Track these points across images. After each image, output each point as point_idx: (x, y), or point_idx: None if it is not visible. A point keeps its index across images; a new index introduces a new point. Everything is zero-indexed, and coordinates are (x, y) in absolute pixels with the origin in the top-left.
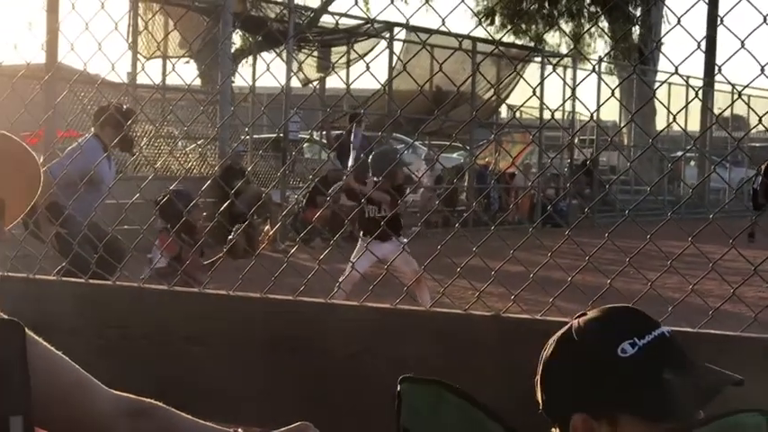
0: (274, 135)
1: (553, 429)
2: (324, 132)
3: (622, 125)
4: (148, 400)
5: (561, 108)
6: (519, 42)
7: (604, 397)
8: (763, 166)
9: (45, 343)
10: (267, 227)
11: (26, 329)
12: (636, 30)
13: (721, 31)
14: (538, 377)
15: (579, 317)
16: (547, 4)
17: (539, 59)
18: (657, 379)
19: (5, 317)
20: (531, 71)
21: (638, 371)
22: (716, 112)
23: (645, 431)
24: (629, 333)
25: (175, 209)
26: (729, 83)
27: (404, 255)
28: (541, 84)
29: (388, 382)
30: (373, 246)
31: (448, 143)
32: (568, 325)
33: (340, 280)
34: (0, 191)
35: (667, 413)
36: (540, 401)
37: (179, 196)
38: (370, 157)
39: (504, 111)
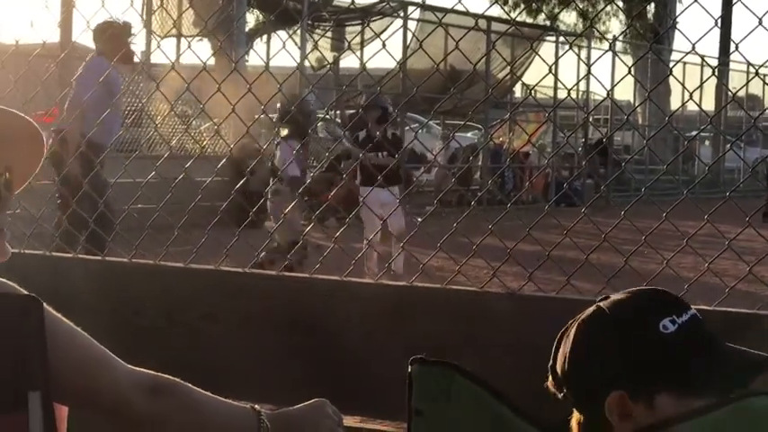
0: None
1: (574, 414)
2: (338, 111)
3: (637, 104)
4: (167, 376)
5: (576, 87)
6: (532, 21)
7: (647, 374)
8: None
9: (63, 317)
10: None
11: (44, 304)
12: (651, 8)
13: (736, 10)
14: (563, 360)
15: (604, 299)
16: None
17: (553, 38)
18: (701, 355)
19: (24, 292)
20: (546, 50)
21: (683, 347)
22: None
23: (679, 408)
24: (666, 311)
25: (295, 116)
26: (747, 61)
27: (398, 208)
28: (556, 63)
29: (404, 360)
30: (374, 192)
31: (462, 122)
32: (594, 306)
33: (366, 262)
34: (5, 158)
35: (708, 389)
36: (565, 385)
37: (302, 103)
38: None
39: (518, 90)
